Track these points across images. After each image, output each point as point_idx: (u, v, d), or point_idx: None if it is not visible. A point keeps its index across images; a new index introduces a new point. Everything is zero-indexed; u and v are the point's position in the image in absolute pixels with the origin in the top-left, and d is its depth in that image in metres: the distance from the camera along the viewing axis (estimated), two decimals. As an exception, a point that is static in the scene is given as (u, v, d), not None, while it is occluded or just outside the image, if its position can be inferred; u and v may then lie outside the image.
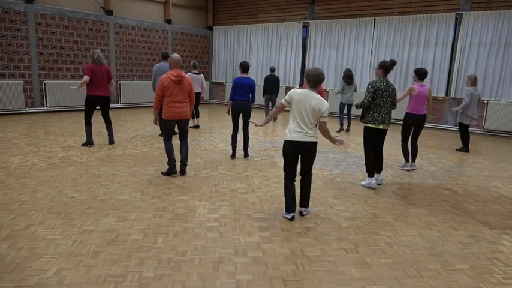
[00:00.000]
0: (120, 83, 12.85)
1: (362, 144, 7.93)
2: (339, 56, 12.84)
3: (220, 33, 15.85)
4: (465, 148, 7.91)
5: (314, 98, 3.80)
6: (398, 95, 6.27)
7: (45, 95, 11.07)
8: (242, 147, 6.85)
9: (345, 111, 10.03)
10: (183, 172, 5.49)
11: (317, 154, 6.85)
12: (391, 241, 3.62)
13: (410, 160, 6.32)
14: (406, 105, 6.76)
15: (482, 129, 10.47)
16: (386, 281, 2.92)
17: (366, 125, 5.24)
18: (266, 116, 11.29)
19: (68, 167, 5.64)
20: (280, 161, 6.46)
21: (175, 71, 5.17)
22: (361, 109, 5.31)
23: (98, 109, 7.09)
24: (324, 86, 12.93)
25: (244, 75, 6.39)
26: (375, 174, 5.32)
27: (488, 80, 10.28)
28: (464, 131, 7.84)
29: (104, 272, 2.88)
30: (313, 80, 3.84)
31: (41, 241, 3.32)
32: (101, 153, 6.58)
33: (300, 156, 3.94)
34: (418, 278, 2.98)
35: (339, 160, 6.80)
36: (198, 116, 9.51)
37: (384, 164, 5.99)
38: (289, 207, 4.00)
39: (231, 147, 6.70)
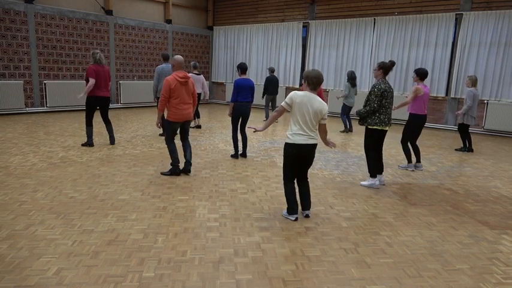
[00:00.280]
0: (120, 83, 12.85)
1: (362, 145, 7.93)
2: (339, 56, 12.84)
3: (220, 33, 15.85)
4: (469, 148, 7.95)
5: (316, 101, 3.80)
6: (406, 96, 6.24)
7: (45, 95, 11.07)
8: (241, 148, 6.84)
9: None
10: (189, 171, 5.50)
11: (317, 154, 6.86)
12: (391, 241, 3.62)
13: (415, 161, 6.35)
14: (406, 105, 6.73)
15: (482, 129, 10.47)
16: (386, 281, 2.92)
17: (372, 127, 5.12)
18: (266, 116, 11.40)
19: (68, 167, 5.64)
20: (280, 161, 6.46)
21: (180, 72, 5.16)
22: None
23: (97, 109, 7.09)
24: (324, 86, 12.94)
25: (244, 77, 6.39)
26: (378, 175, 5.32)
27: (488, 80, 10.28)
28: (465, 131, 7.86)
29: (104, 272, 2.88)
30: (314, 82, 3.82)
31: (41, 241, 3.32)
32: (101, 153, 6.58)
33: (300, 159, 3.93)
34: (418, 278, 2.98)
35: (339, 160, 6.80)
36: (199, 117, 9.52)
37: (383, 164, 5.99)
38: (292, 209, 4.00)
39: (233, 147, 6.67)
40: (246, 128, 4.94)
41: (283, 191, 4.09)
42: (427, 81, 9.94)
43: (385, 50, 11.84)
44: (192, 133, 8.73)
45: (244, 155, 6.66)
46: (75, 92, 11.48)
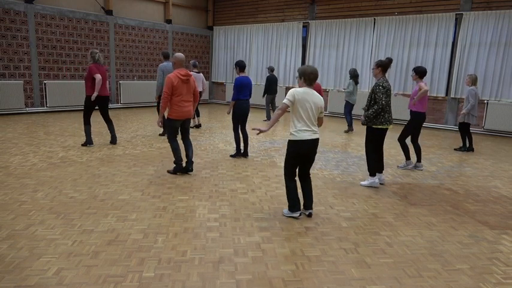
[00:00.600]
0: (120, 83, 12.85)
1: (362, 145, 7.94)
2: (339, 56, 12.84)
3: (220, 33, 15.85)
4: (469, 147, 7.95)
5: (315, 96, 3.89)
6: (416, 94, 6.19)
7: (45, 95, 11.07)
8: (242, 147, 6.84)
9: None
10: (191, 170, 5.50)
11: (317, 154, 6.85)
12: (391, 241, 3.62)
13: (415, 160, 6.36)
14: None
15: (482, 129, 10.47)
16: (386, 281, 2.92)
17: (377, 127, 5.12)
18: (267, 116, 11.39)
19: (68, 167, 5.64)
20: (280, 161, 6.45)
21: (182, 70, 5.17)
22: (364, 112, 5.26)
23: (96, 109, 7.08)
24: (324, 86, 12.95)
25: (243, 75, 6.38)
26: (378, 174, 5.32)
27: (488, 80, 10.28)
28: (466, 130, 7.87)
29: (104, 272, 2.88)
30: (310, 78, 3.88)
31: (41, 241, 3.32)
32: (101, 153, 6.58)
33: (304, 156, 3.94)
34: (418, 278, 2.98)
35: (339, 160, 6.80)
36: (198, 115, 9.52)
37: (383, 163, 5.99)
38: (295, 206, 4.03)
39: (235, 145, 6.63)
40: (251, 129, 4.93)
41: (284, 190, 4.09)
42: (427, 81, 9.95)
43: (385, 50, 11.84)
44: (192, 133, 8.73)
45: (246, 153, 6.65)
46: (75, 92, 11.50)
